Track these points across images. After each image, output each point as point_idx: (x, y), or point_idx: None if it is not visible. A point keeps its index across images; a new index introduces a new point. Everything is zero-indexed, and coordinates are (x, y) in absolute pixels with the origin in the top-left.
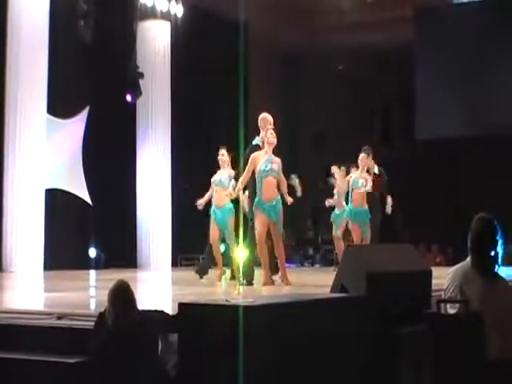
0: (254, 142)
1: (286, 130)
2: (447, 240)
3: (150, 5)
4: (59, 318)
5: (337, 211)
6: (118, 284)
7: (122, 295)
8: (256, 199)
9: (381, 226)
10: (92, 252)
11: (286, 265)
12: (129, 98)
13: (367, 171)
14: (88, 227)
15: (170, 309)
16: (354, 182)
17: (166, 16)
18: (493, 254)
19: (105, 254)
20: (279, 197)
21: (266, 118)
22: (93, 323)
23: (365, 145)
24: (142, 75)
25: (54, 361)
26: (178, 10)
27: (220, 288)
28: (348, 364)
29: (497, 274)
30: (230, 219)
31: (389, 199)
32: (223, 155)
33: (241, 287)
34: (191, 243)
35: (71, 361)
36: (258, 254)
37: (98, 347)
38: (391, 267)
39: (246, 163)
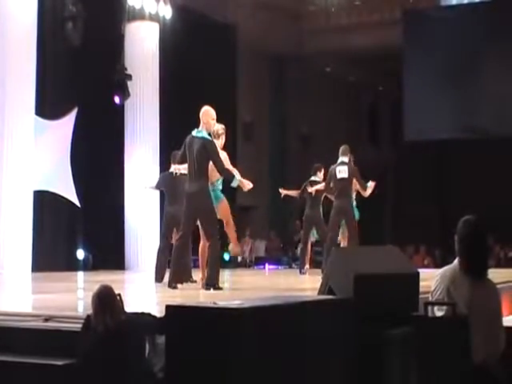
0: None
1: (274, 130)
2: (435, 242)
3: (138, 6)
4: (46, 320)
5: None
6: (100, 291)
7: (105, 302)
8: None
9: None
10: (80, 254)
11: (274, 266)
12: (117, 99)
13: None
14: (76, 229)
15: (157, 311)
16: None
17: (154, 18)
18: (481, 256)
19: (93, 255)
20: None
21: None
22: (80, 325)
23: (352, 146)
24: (129, 77)
25: (42, 363)
26: (167, 12)
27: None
28: (335, 366)
29: (484, 276)
30: None
31: None
32: None
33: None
34: None
35: (59, 363)
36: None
37: (86, 349)
38: (378, 269)
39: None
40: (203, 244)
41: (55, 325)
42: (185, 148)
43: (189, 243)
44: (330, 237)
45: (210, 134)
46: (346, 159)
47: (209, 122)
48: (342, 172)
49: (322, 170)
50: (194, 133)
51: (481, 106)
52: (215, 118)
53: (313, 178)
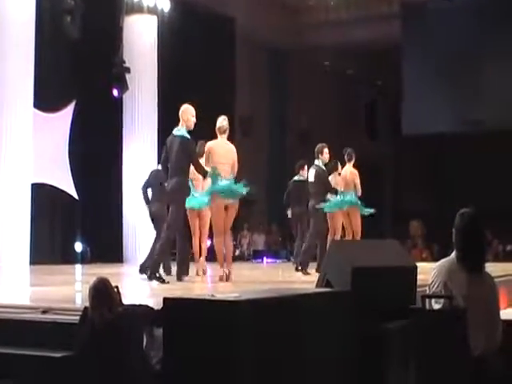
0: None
1: (273, 124)
2: (433, 236)
3: None
4: (44, 312)
5: None
6: (97, 283)
7: (102, 294)
8: None
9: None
10: (78, 246)
11: (272, 260)
12: (115, 92)
13: None
14: (74, 221)
15: (154, 303)
16: None
17: (152, 11)
18: (478, 249)
19: (91, 248)
20: None
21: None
22: (78, 318)
23: (351, 140)
24: (128, 70)
25: (39, 355)
26: (165, 5)
27: (205, 283)
28: (333, 360)
29: (482, 269)
30: None
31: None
32: None
33: None
34: None
35: (56, 355)
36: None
37: (83, 342)
38: (376, 262)
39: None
40: (220, 240)
41: (53, 317)
42: (167, 148)
43: (185, 237)
44: (310, 234)
45: (189, 132)
46: (317, 161)
47: (189, 120)
48: (310, 176)
49: (306, 167)
50: (174, 131)
51: (480, 100)
52: (194, 114)
53: (296, 178)
